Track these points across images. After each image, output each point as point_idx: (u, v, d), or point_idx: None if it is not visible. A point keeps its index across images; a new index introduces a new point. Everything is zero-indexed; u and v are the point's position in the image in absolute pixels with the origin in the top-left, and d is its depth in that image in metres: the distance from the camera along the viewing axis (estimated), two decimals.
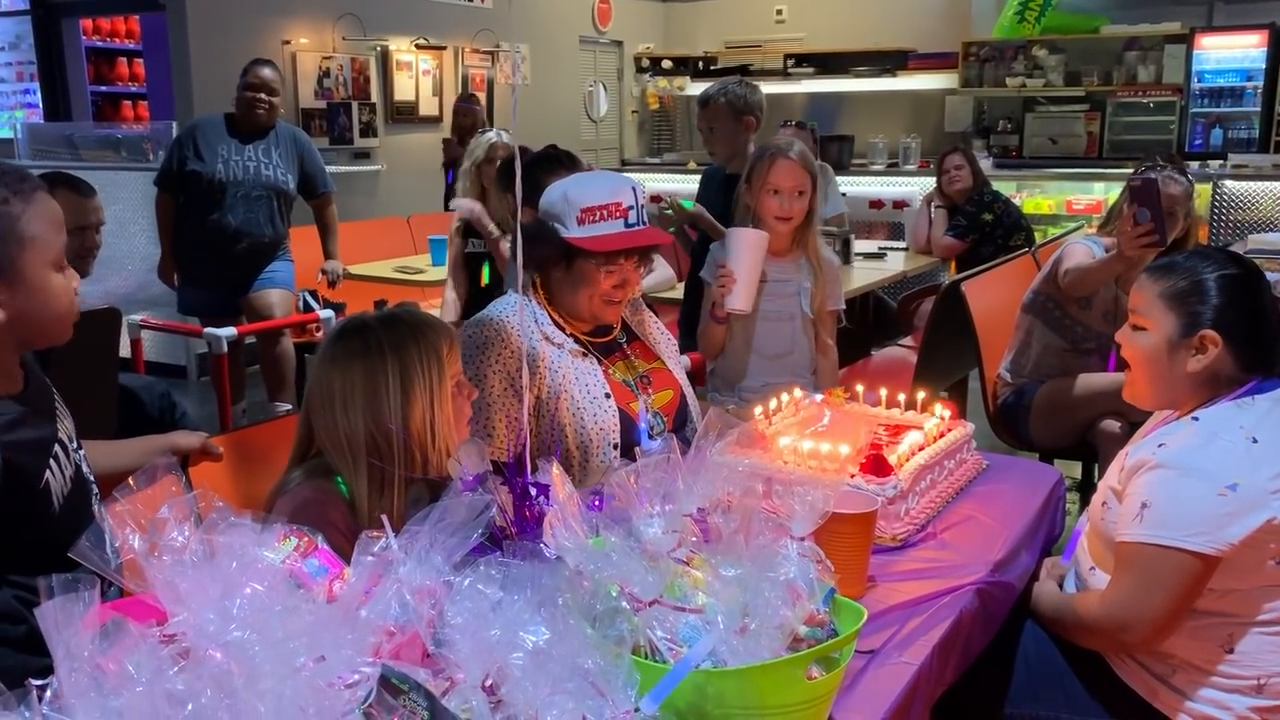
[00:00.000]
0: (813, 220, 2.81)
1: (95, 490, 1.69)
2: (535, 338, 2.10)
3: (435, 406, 1.63)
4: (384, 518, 1.16)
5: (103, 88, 7.54)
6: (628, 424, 2.08)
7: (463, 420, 1.72)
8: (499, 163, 3.90)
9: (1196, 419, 1.73)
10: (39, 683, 0.90)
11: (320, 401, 1.63)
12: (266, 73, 4.46)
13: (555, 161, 3.00)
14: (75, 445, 1.65)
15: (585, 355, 2.13)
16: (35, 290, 1.50)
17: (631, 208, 2.04)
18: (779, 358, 2.84)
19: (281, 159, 4.52)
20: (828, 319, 2.88)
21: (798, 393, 2.27)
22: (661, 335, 2.35)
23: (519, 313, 2.08)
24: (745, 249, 2.65)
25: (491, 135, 4.14)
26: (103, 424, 2.75)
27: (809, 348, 2.86)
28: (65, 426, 1.64)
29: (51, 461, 1.55)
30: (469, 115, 6.28)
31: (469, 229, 4.17)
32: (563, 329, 2.13)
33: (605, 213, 2.01)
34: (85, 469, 1.68)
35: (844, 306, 2.97)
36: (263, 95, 4.43)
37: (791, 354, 2.85)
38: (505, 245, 3.74)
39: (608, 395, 2.09)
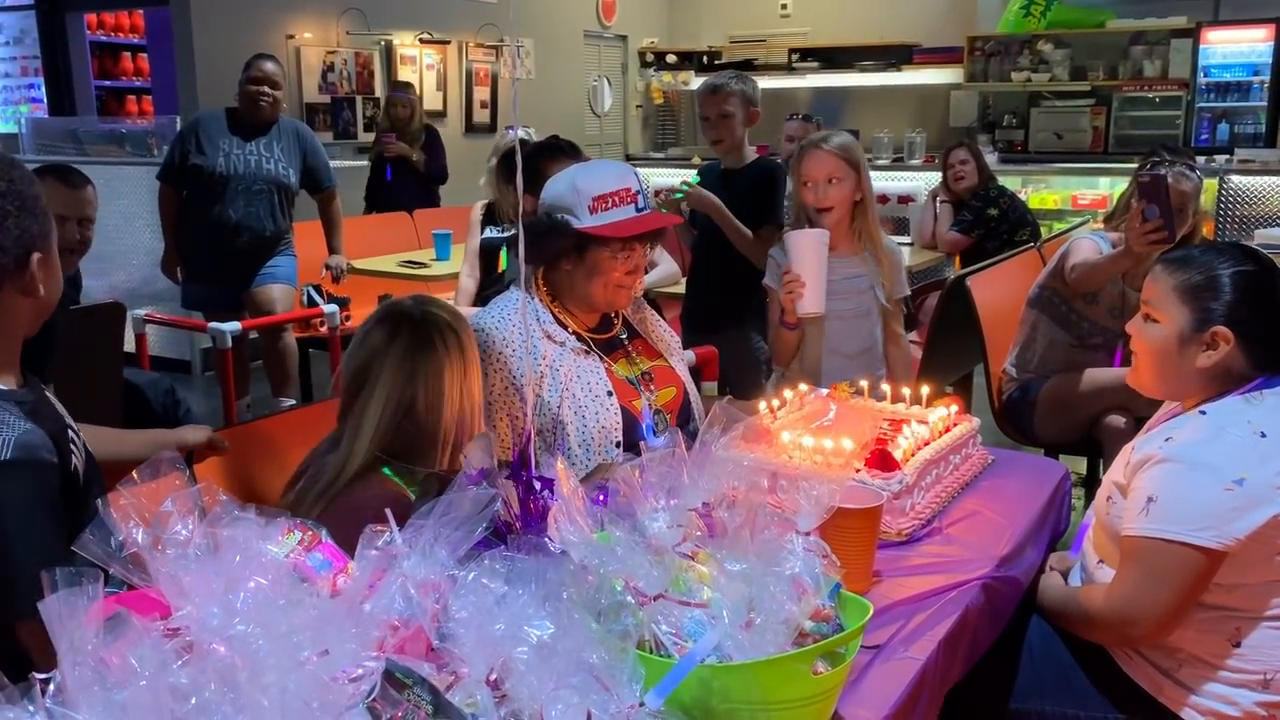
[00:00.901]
0: (865, 210, 2.77)
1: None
2: (536, 336, 2.09)
3: (470, 395, 1.71)
4: (389, 511, 1.15)
5: (107, 82, 7.55)
6: (630, 422, 2.07)
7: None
8: (500, 155, 3.89)
9: (1204, 413, 1.72)
10: (42, 676, 0.90)
11: (374, 388, 1.68)
12: (269, 67, 4.46)
13: (558, 150, 2.99)
14: (76, 430, 1.65)
15: (587, 353, 2.12)
16: (50, 269, 1.50)
17: (639, 192, 2.06)
18: (859, 355, 2.80)
19: (284, 153, 4.52)
20: (895, 308, 2.86)
21: (803, 387, 2.27)
22: (663, 332, 2.34)
23: (520, 310, 2.08)
24: (807, 250, 2.59)
25: (512, 134, 4.13)
26: (107, 419, 2.74)
27: (883, 341, 2.84)
28: (65, 412, 1.63)
29: (70, 445, 1.55)
30: (406, 106, 6.06)
31: (490, 217, 4.15)
32: (564, 326, 2.13)
33: (616, 199, 2.03)
34: (91, 454, 1.68)
35: (909, 293, 2.94)
36: (266, 89, 4.43)
37: (871, 349, 2.82)
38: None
39: (610, 393, 2.08)
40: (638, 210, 2.05)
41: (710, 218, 3.41)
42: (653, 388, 2.18)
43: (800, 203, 2.78)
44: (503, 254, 3.96)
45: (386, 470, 1.66)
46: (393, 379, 1.68)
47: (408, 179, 6.04)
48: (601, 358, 2.13)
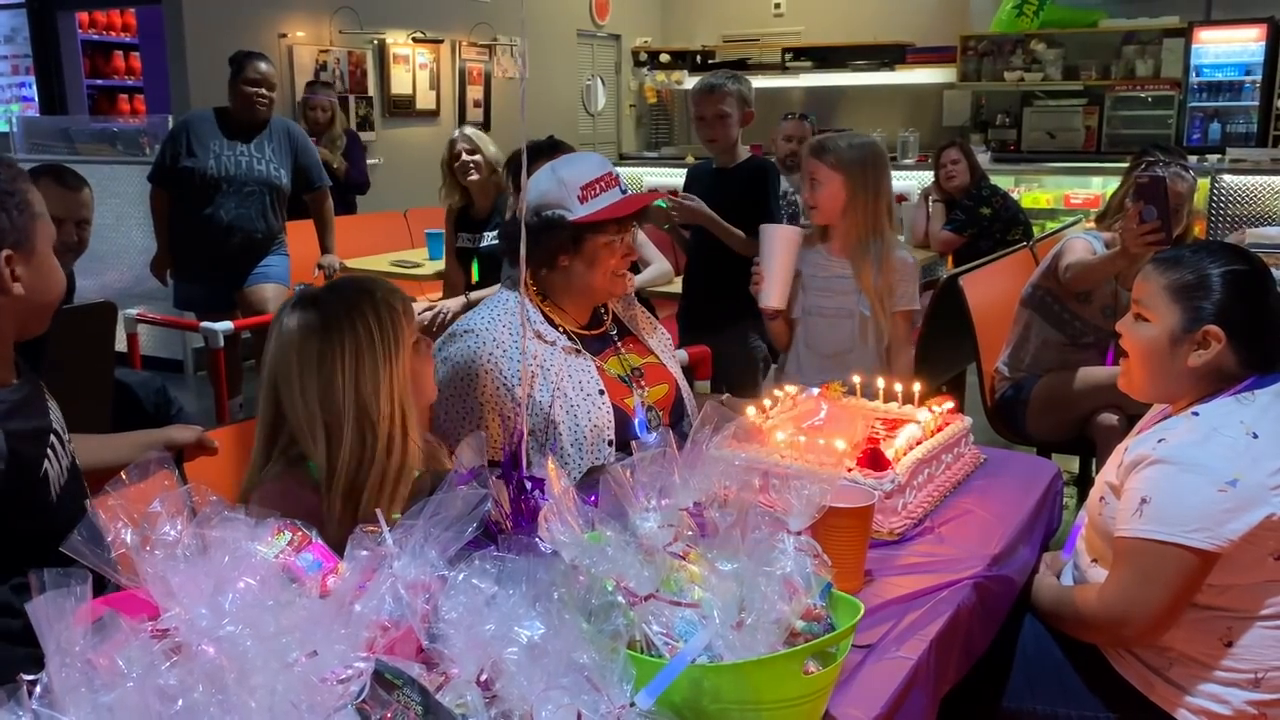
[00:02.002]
0: (857, 214, 2.75)
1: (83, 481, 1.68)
2: (528, 336, 2.08)
3: (394, 373, 1.60)
4: (379, 512, 1.15)
5: (99, 81, 7.52)
6: (622, 420, 2.07)
7: (425, 381, 1.74)
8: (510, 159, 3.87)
9: (1196, 414, 1.72)
10: (29, 678, 0.89)
11: (279, 377, 1.61)
12: (265, 68, 4.43)
13: (556, 151, 2.99)
14: (66, 436, 1.65)
15: (578, 352, 2.11)
16: (41, 269, 1.50)
17: (618, 176, 2.10)
18: (836, 356, 2.78)
19: (275, 154, 4.50)
20: (898, 320, 2.81)
21: (790, 388, 2.27)
22: (654, 329, 2.33)
23: (510, 311, 2.07)
24: (772, 244, 2.65)
25: (454, 133, 4.12)
26: (97, 419, 2.74)
27: (873, 348, 2.79)
28: (57, 416, 1.63)
29: (49, 450, 1.54)
30: (324, 109, 5.59)
31: (459, 222, 4.16)
32: (555, 325, 2.12)
33: (603, 184, 2.05)
34: (76, 461, 1.67)
35: (918, 306, 2.88)
36: (264, 91, 4.41)
37: (850, 353, 2.79)
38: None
39: (602, 392, 2.07)
40: (621, 192, 2.08)
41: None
42: (644, 384, 2.17)
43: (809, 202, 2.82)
44: (474, 265, 3.95)
45: (310, 465, 1.60)
46: (299, 362, 1.59)
47: None
48: (592, 356, 2.12)
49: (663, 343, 2.32)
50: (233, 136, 4.43)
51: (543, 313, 2.12)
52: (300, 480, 1.61)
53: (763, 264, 2.67)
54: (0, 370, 1.53)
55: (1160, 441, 1.69)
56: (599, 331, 2.19)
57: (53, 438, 1.57)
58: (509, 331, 2.04)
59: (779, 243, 2.66)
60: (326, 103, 5.63)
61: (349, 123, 6.08)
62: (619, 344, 2.21)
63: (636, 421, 2.05)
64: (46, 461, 1.53)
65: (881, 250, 2.77)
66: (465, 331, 2.08)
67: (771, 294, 2.67)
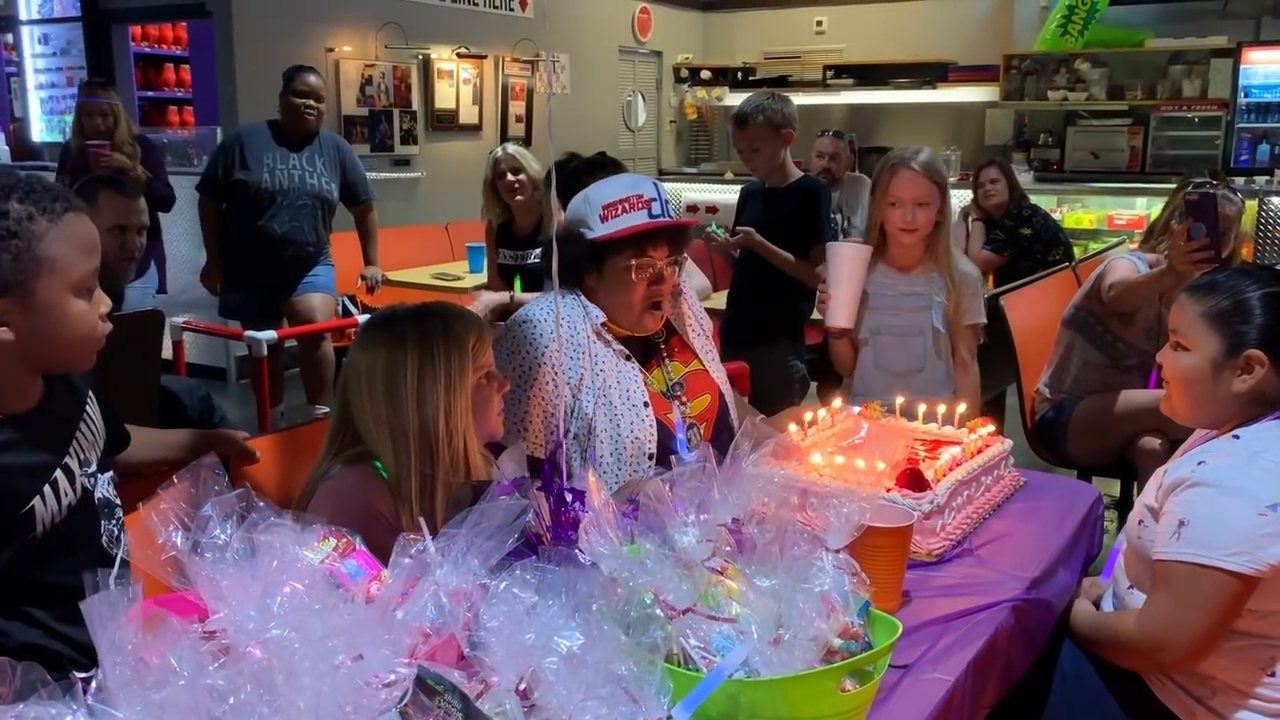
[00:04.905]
0: (943, 231, 2.70)
1: (118, 513, 1.65)
2: (585, 333, 2.06)
3: (454, 400, 1.66)
4: (421, 520, 1.17)
5: (150, 93, 7.67)
6: (664, 434, 2.08)
7: (489, 415, 1.75)
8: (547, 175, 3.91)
9: (1237, 437, 1.70)
10: (83, 675, 0.92)
11: (352, 384, 1.69)
12: (313, 80, 4.50)
13: (598, 167, 3.00)
14: (93, 469, 1.61)
15: (629, 358, 2.10)
16: (49, 313, 1.44)
17: (654, 200, 2.03)
18: (908, 375, 2.72)
19: (325, 167, 4.57)
20: (966, 334, 2.76)
21: (836, 404, 2.26)
22: (700, 328, 2.30)
23: (574, 309, 2.07)
24: (840, 263, 2.59)
25: (496, 151, 4.16)
26: (143, 424, 2.79)
27: (943, 365, 2.75)
28: (80, 451, 1.58)
29: (45, 487, 1.50)
30: (106, 114, 4.71)
31: (501, 238, 4.19)
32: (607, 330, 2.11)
33: (626, 205, 2.01)
34: (104, 493, 1.63)
35: (984, 321, 2.81)
36: (312, 102, 4.47)
37: (922, 371, 2.74)
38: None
39: (646, 404, 2.07)
40: (651, 216, 2.02)
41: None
42: (685, 399, 2.16)
43: (880, 219, 2.71)
44: (516, 281, 4.00)
45: (377, 464, 1.67)
46: (369, 371, 1.68)
47: None
48: (639, 366, 2.12)
49: (707, 346, 2.29)
50: (286, 149, 4.49)
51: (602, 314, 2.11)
52: (366, 475, 1.65)
53: (830, 283, 2.61)
54: (8, 401, 1.49)
55: (1200, 464, 1.67)
56: (644, 335, 2.16)
57: (58, 474, 1.52)
58: (565, 326, 2.04)
59: (847, 261, 2.59)
60: (107, 106, 4.77)
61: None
62: (664, 350, 2.19)
63: (678, 439, 2.06)
64: (38, 498, 1.48)
65: (951, 264, 2.72)
66: (524, 321, 2.09)
67: (839, 313, 2.61)
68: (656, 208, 2.03)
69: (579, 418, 2.04)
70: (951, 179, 7.87)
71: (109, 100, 4.76)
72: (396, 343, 1.67)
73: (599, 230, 2.02)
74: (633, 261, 2.02)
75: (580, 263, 2.07)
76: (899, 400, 2.31)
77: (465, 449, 1.67)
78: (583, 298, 2.11)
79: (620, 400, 2.05)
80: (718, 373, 2.27)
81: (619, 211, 2.01)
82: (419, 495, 1.63)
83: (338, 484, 1.65)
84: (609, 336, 2.10)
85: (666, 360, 2.19)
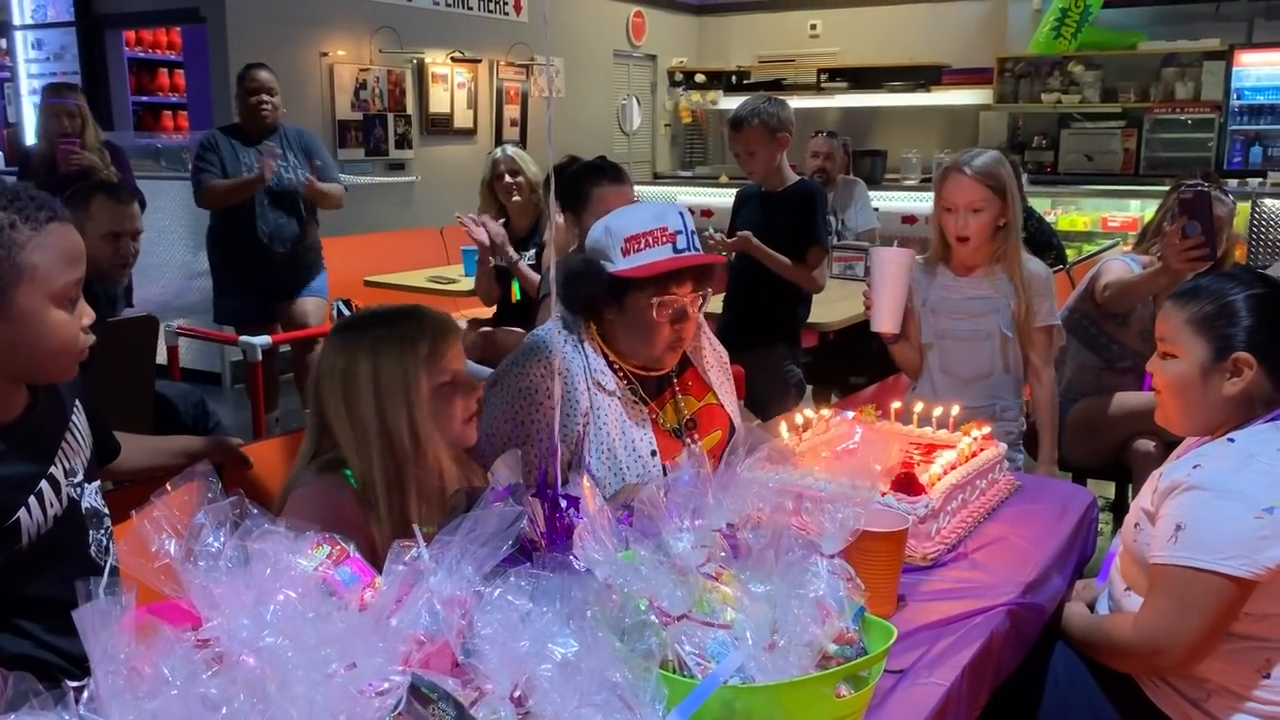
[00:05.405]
0: (1009, 233, 2.63)
1: (106, 523, 1.64)
2: (580, 388, 1.96)
3: (414, 404, 1.64)
4: (416, 527, 1.16)
5: (144, 98, 7.66)
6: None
7: (451, 421, 1.70)
8: (545, 177, 3.90)
9: (1232, 440, 1.70)
10: (75, 684, 0.91)
11: (321, 389, 1.69)
12: (264, 75, 4.47)
13: (599, 172, 2.99)
14: (79, 479, 1.59)
15: (637, 403, 2.02)
16: (26, 322, 1.41)
17: (679, 232, 1.92)
18: (975, 381, 2.68)
19: (294, 158, 4.55)
20: (1038, 339, 2.68)
21: (825, 411, 2.26)
22: (716, 359, 2.23)
23: (572, 359, 1.98)
24: (882, 268, 2.55)
25: (495, 153, 4.16)
26: (138, 430, 2.79)
27: (1014, 371, 2.70)
28: (66, 461, 1.57)
29: (31, 499, 1.48)
30: (74, 115, 4.52)
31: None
32: (614, 369, 2.02)
33: (650, 239, 1.91)
34: (91, 502, 1.61)
35: (1058, 322, 2.74)
36: (265, 96, 4.45)
37: (989, 377, 2.68)
38: (524, 266, 3.74)
39: (654, 453, 1.99)
40: (676, 251, 1.91)
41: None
42: (696, 436, 2.07)
43: (937, 224, 2.67)
44: (514, 284, 3.98)
45: (347, 472, 1.66)
46: (329, 376, 1.67)
47: None
48: (649, 402, 2.04)
49: (723, 377, 2.21)
50: (251, 145, 4.48)
51: (605, 357, 2.02)
52: (335, 484, 1.64)
53: (873, 288, 2.57)
54: None
55: (1195, 468, 1.67)
56: (659, 373, 2.08)
57: (43, 484, 1.51)
58: (569, 384, 1.95)
59: (889, 266, 2.55)
60: (74, 107, 4.58)
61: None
62: (676, 385, 2.11)
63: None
64: (23, 510, 1.47)
65: (1020, 265, 2.67)
66: (520, 374, 1.98)
67: (882, 319, 2.57)
68: (682, 241, 1.92)
69: (579, 467, 1.94)
70: None
71: (76, 101, 4.63)
72: (353, 347, 1.66)
73: (620, 264, 1.91)
74: (655, 300, 1.91)
75: (599, 297, 1.96)
76: (955, 410, 2.25)
77: (435, 455, 1.65)
78: (586, 346, 2.01)
79: (625, 453, 1.97)
80: (731, 406, 2.20)
81: (642, 245, 1.90)
82: (387, 501, 1.62)
83: (306, 492, 1.64)
84: (612, 385, 2.00)
85: (679, 395, 2.10)
